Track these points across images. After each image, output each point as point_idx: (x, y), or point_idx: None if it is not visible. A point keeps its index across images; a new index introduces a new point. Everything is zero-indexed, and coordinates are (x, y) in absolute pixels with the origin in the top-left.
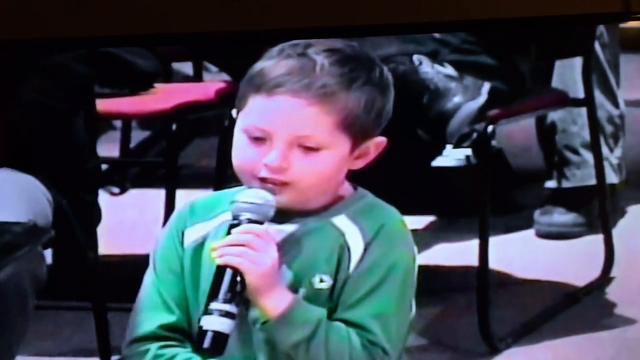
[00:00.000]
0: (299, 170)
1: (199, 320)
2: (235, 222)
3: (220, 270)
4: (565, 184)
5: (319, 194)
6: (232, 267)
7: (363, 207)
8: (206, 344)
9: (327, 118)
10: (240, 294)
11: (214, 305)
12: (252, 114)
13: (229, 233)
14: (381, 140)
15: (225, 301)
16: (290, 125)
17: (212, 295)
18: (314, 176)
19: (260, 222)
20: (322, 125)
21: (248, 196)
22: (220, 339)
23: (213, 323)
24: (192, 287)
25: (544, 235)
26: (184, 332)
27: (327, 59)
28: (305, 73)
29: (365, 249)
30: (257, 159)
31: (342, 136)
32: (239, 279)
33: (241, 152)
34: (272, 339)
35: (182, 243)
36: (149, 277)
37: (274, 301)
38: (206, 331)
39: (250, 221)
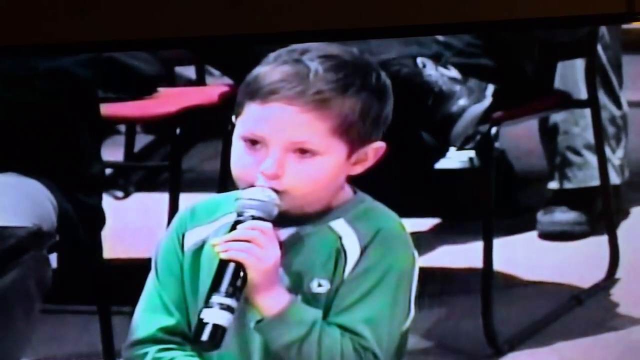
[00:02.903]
0: (295, 177)
1: (200, 312)
2: (240, 218)
3: (223, 264)
4: (567, 185)
5: (317, 199)
6: (236, 262)
7: (361, 211)
8: (205, 336)
9: (322, 124)
10: (241, 289)
11: (215, 299)
12: (248, 120)
13: (233, 229)
14: (380, 145)
15: (227, 295)
16: (285, 131)
17: (214, 288)
18: (309, 182)
19: (265, 220)
20: (317, 131)
21: (253, 193)
22: (218, 332)
23: (213, 316)
24: (192, 289)
25: (546, 234)
26: (183, 335)
27: (322, 65)
28: (299, 80)
29: (362, 253)
30: (253, 167)
31: (338, 142)
32: (241, 274)
33: (238, 160)
34: (265, 338)
35: (182, 246)
36: (150, 280)
37: (272, 300)
38: (206, 323)
39: (254, 218)
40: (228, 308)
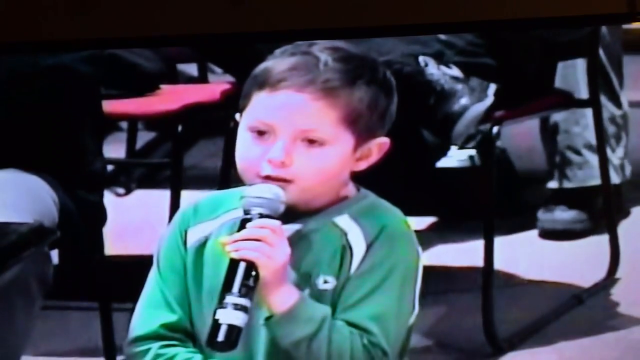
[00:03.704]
0: (302, 166)
1: (214, 313)
2: (248, 216)
3: (234, 264)
4: (567, 185)
5: (322, 193)
6: (248, 261)
7: (365, 207)
8: (220, 337)
9: (331, 112)
10: (254, 289)
11: (229, 299)
12: (256, 109)
13: (242, 227)
14: (384, 141)
15: (240, 295)
16: (294, 119)
17: (226, 288)
18: (317, 172)
19: (271, 217)
20: (326, 120)
21: (259, 191)
22: (234, 332)
23: (228, 316)
24: (195, 286)
25: (546, 232)
26: (185, 332)
27: (331, 56)
28: (308, 69)
29: (367, 250)
30: (260, 157)
31: (346, 132)
32: (253, 273)
33: (245, 150)
34: (275, 335)
35: (185, 242)
36: (152, 276)
37: (281, 297)
38: (220, 324)
39: (262, 216)
40: (242, 308)
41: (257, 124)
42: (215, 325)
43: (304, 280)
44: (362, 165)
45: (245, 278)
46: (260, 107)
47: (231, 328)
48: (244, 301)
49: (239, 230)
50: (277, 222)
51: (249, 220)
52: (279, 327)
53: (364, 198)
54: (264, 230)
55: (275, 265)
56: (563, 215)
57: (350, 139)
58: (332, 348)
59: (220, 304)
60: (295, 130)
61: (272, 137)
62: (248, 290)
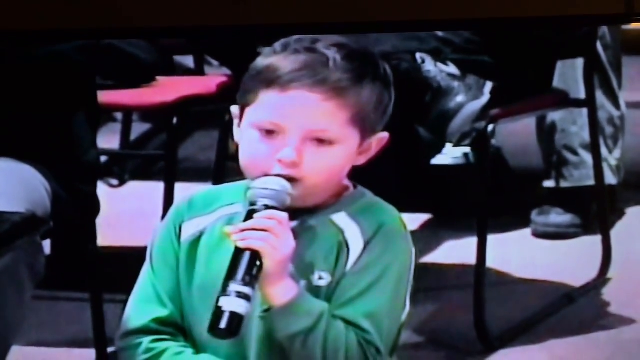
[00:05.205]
0: (311, 165)
1: (217, 300)
2: (254, 207)
3: (239, 253)
4: (563, 184)
5: (323, 191)
6: (253, 251)
7: (363, 205)
8: (223, 324)
9: (341, 113)
10: (257, 278)
11: (232, 287)
12: (264, 108)
13: (248, 218)
14: (383, 135)
15: (244, 283)
16: (305, 119)
17: (230, 276)
18: (325, 171)
19: (277, 209)
20: (336, 120)
21: (266, 183)
22: (236, 320)
23: (231, 304)
24: (187, 280)
25: (540, 235)
26: (176, 326)
27: (338, 54)
28: (319, 68)
29: (365, 247)
30: (269, 155)
31: (353, 131)
32: (257, 263)
33: (252, 148)
34: (271, 328)
35: (178, 237)
36: (144, 270)
37: (282, 290)
38: (223, 312)
39: (268, 207)
40: (245, 296)
41: (266, 123)
42: (218, 312)
43: (299, 276)
44: (362, 160)
45: (249, 267)
46: (269, 107)
47: (233, 315)
48: (247, 290)
49: (245, 221)
50: (284, 214)
51: (256, 211)
52: (277, 319)
53: (362, 196)
54: (271, 221)
55: (280, 256)
56: (558, 219)
57: (357, 137)
58: (328, 344)
59: (224, 292)
60: (306, 130)
61: (282, 136)
62: (252, 279)
